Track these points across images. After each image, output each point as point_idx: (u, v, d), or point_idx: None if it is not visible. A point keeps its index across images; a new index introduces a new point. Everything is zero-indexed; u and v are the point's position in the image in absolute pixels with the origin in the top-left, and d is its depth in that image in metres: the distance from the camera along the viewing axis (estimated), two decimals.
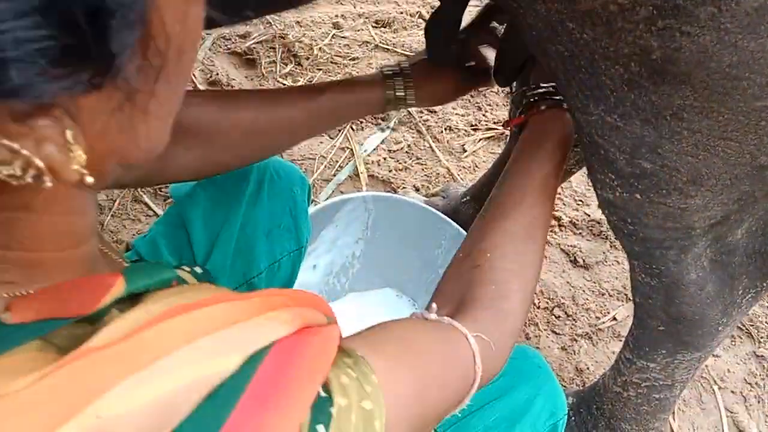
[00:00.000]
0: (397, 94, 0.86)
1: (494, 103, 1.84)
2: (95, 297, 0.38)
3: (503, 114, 1.82)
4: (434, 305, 0.62)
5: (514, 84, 0.94)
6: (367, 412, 0.42)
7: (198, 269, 0.66)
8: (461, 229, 1.30)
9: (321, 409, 0.39)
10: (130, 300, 0.42)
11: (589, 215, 1.62)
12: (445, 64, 0.90)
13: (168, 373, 0.34)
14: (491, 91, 1.86)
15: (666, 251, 0.78)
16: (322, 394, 0.40)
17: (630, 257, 0.86)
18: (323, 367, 0.42)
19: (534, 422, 0.84)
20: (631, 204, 0.71)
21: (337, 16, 1.99)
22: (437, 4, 0.82)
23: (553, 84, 0.77)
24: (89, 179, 0.35)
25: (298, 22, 1.95)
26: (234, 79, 1.79)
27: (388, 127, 1.76)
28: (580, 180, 1.69)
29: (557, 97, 0.78)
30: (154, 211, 1.52)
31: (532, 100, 0.79)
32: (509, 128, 0.85)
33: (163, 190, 1.56)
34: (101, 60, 0.30)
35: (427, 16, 1.98)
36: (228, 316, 0.40)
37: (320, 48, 1.91)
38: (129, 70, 0.32)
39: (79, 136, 0.33)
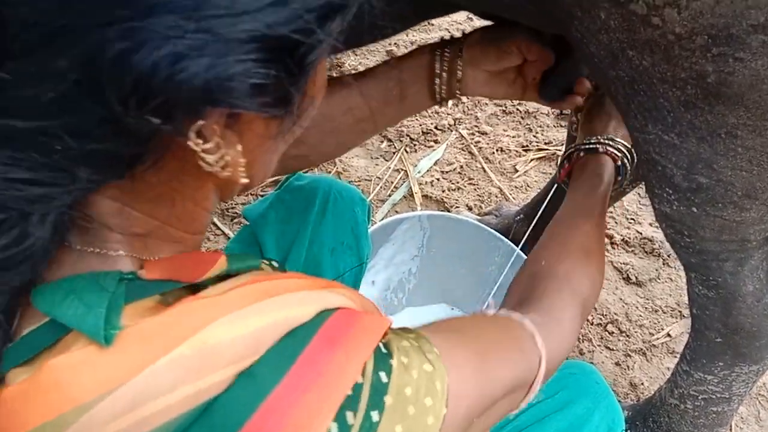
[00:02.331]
0: (445, 55, 0.83)
1: (545, 125, 1.89)
2: (204, 268, 0.48)
3: (554, 135, 1.86)
4: (492, 304, 0.68)
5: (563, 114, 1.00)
6: (428, 373, 0.48)
7: (275, 263, 0.74)
8: (514, 246, 1.35)
9: (383, 359, 0.46)
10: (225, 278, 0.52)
11: (641, 233, 1.65)
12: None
13: (257, 315, 0.43)
14: (541, 113, 1.91)
15: (722, 263, 0.82)
16: (383, 350, 0.47)
17: (687, 269, 0.89)
18: (381, 330, 0.49)
19: None
20: (687, 217, 0.75)
21: (390, 44, 2.08)
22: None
23: (591, 140, 0.90)
24: (244, 180, 0.47)
25: (353, 51, 2.04)
26: None
27: (441, 146, 1.83)
28: (631, 199, 1.72)
29: (593, 147, 0.90)
30: (222, 231, 1.61)
31: (574, 153, 0.93)
32: (561, 180, 0.98)
33: (230, 210, 1.66)
34: (291, 99, 0.44)
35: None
36: (300, 285, 0.49)
37: None
38: (294, 110, 0.45)
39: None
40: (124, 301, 0.43)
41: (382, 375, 0.45)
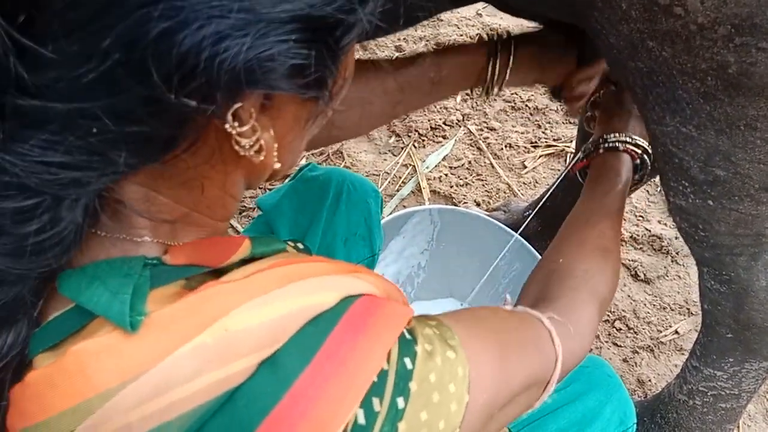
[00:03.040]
0: (500, 52, 0.85)
1: (554, 121, 1.89)
2: (228, 252, 0.47)
3: (562, 132, 1.86)
4: (509, 300, 0.68)
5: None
6: (451, 360, 0.48)
7: (300, 245, 0.74)
8: (524, 242, 1.35)
9: (407, 345, 0.46)
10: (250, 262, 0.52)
11: (649, 230, 1.65)
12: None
13: (280, 301, 0.43)
14: (550, 109, 1.91)
15: (736, 258, 0.82)
16: (408, 336, 0.47)
17: (699, 264, 0.89)
18: (405, 317, 0.48)
19: (604, 428, 0.87)
20: (703, 210, 0.75)
21: (399, 39, 2.08)
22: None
23: (611, 138, 0.90)
24: (276, 165, 0.47)
25: (362, 45, 2.04)
26: None
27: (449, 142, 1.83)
28: (640, 196, 1.71)
29: (612, 145, 0.90)
30: (230, 225, 1.61)
31: (593, 147, 0.92)
32: (574, 172, 0.98)
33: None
34: (327, 81, 0.43)
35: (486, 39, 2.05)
36: (325, 269, 0.48)
37: None
38: (328, 93, 0.45)
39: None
40: (149, 287, 0.43)
41: (407, 361, 0.45)
